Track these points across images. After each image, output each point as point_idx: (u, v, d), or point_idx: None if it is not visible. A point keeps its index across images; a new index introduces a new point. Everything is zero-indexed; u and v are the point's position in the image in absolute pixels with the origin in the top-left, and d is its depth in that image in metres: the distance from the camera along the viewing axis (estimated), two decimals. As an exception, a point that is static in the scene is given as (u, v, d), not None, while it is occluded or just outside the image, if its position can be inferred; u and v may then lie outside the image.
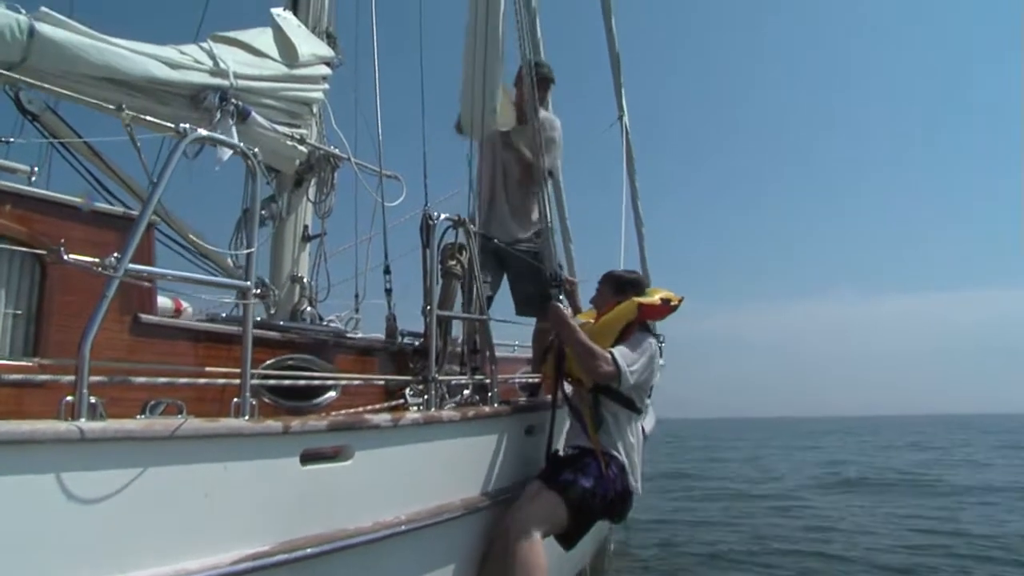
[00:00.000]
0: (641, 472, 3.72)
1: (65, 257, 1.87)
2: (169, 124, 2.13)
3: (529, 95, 3.80)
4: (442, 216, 3.34)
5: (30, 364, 2.32)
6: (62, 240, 1.91)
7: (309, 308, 4.19)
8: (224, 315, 3.41)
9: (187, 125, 2.12)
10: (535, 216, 4.35)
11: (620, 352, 3.56)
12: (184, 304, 3.63)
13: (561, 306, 3.67)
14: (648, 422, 6.00)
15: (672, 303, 3.86)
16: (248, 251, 2.30)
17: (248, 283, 2.29)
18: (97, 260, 1.92)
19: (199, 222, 3.70)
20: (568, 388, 3.79)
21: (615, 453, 3.55)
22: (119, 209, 2.59)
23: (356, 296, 4.48)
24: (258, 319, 3.44)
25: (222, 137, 2.44)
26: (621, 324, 3.70)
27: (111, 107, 2.31)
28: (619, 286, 3.94)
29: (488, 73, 4.39)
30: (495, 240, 3.88)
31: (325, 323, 4.14)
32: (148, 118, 2.39)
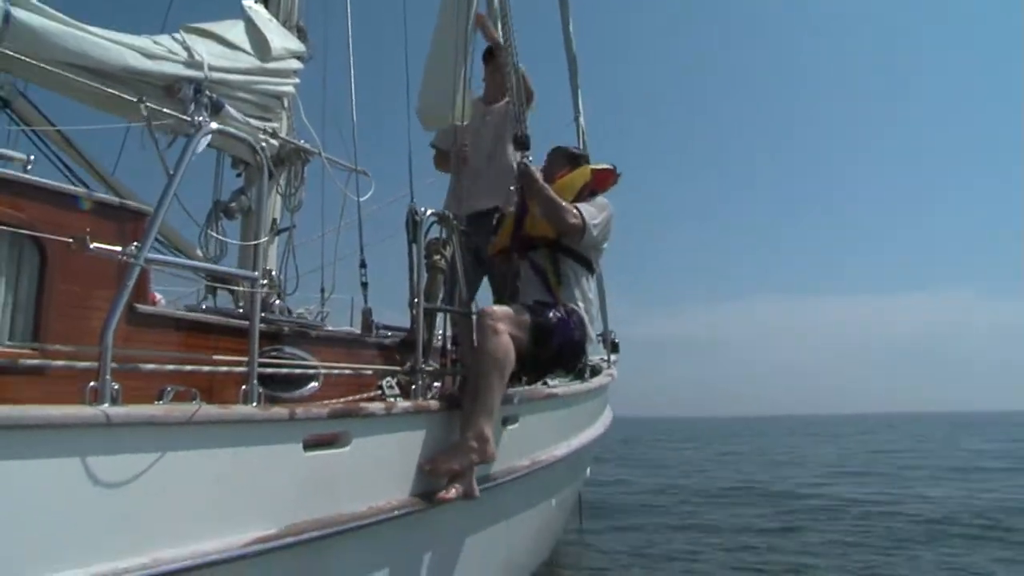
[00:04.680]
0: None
1: (91, 245, 1.90)
2: (184, 116, 2.16)
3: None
4: (428, 211, 3.42)
5: (30, 350, 2.31)
6: (88, 228, 1.94)
7: (278, 301, 4.21)
8: (204, 307, 3.41)
9: (202, 118, 2.16)
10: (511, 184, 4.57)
11: (584, 207, 3.79)
12: (158, 296, 3.60)
13: (530, 164, 3.83)
14: (605, 419, 6.18)
15: (616, 172, 4.19)
16: (256, 243, 2.36)
17: (256, 274, 2.34)
18: (120, 248, 1.96)
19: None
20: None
21: (575, 306, 3.74)
22: (115, 199, 2.59)
23: (322, 291, 4.51)
24: (239, 310, 3.47)
25: (235, 131, 2.48)
26: (579, 184, 3.97)
27: (132, 99, 2.32)
28: (571, 157, 4.32)
29: (451, 67, 4.56)
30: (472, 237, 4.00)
31: (294, 316, 4.16)
32: (166, 110, 2.41)
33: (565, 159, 4.28)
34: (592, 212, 3.81)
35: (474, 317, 3.56)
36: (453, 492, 2.99)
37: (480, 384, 3.22)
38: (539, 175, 3.83)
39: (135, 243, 1.99)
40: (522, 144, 3.94)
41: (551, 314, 3.59)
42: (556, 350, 3.59)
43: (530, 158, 3.92)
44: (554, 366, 3.77)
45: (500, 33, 4.41)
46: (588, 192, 3.98)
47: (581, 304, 3.78)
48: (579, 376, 5.18)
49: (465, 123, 4.92)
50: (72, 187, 2.46)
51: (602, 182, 4.10)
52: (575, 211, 3.74)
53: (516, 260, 3.99)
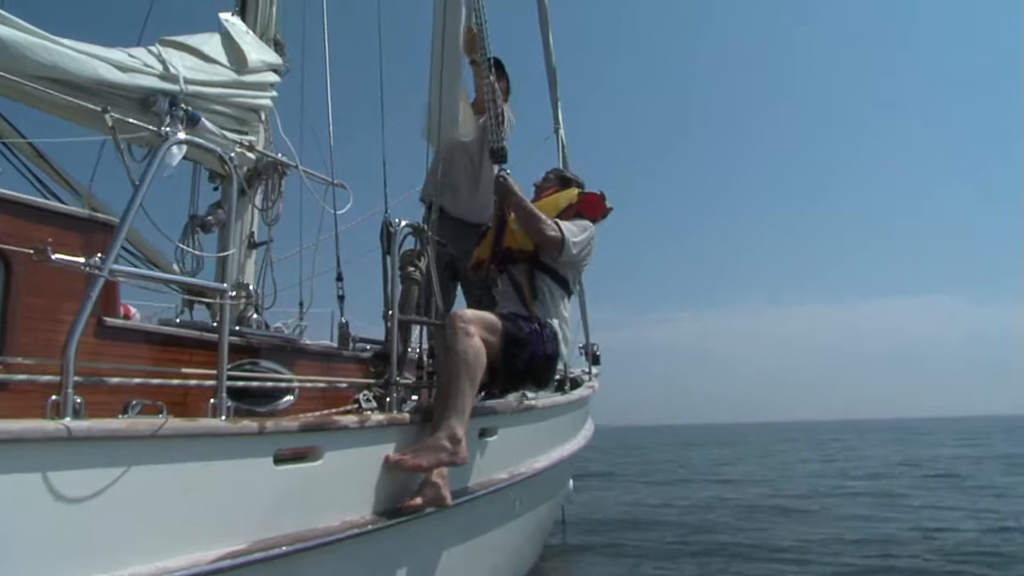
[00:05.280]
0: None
1: (52, 256, 1.87)
2: (152, 127, 2.15)
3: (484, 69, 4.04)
4: (403, 223, 3.41)
5: (-5, 366, 2.27)
6: (49, 239, 1.91)
7: (255, 316, 4.18)
8: (178, 320, 3.38)
9: (168, 128, 2.15)
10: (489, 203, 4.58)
11: (564, 224, 3.82)
12: (132, 310, 3.56)
13: (508, 176, 3.85)
14: (586, 431, 6.16)
15: (607, 203, 4.18)
16: (227, 254, 2.33)
17: (225, 285, 2.32)
18: (83, 260, 1.93)
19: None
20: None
21: (549, 320, 3.75)
22: (84, 211, 2.56)
23: (300, 304, 4.48)
24: (214, 324, 3.44)
25: (202, 141, 2.46)
26: (563, 203, 4.02)
27: (96, 108, 2.30)
28: (564, 180, 4.38)
29: (449, 84, 4.55)
30: (449, 251, 3.98)
31: (272, 330, 4.13)
32: (132, 120, 2.39)
33: (557, 180, 4.35)
34: (573, 230, 3.83)
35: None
36: (419, 500, 2.93)
37: (451, 386, 3.17)
38: (517, 187, 3.84)
39: (99, 255, 1.96)
40: (499, 157, 3.95)
41: (524, 325, 3.59)
42: (527, 361, 3.55)
43: (508, 171, 3.93)
44: (526, 378, 3.72)
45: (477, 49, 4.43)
46: (573, 214, 4.00)
47: (555, 321, 3.77)
48: (559, 389, 5.16)
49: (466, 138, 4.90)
50: (38, 199, 2.42)
51: (590, 208, 4.11)
52: (553, 224, 3.76)
53: (494, 272, 3.98)
